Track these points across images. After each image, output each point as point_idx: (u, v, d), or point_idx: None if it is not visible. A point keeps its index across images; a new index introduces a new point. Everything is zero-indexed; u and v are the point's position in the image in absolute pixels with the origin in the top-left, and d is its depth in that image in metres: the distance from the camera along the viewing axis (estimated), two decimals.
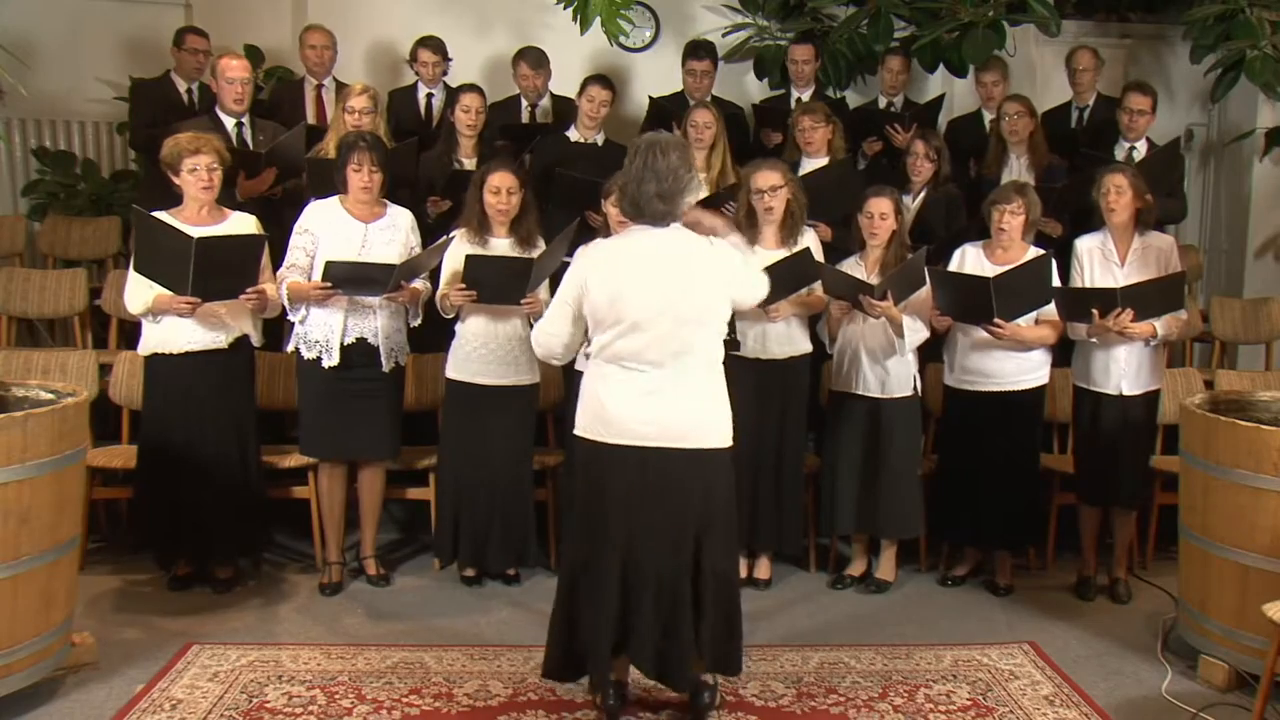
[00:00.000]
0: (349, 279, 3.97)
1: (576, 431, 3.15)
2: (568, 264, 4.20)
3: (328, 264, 3.96)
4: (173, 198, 4.03)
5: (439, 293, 4.14)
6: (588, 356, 3.18)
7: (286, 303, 4.06)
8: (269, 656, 3.67)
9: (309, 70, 5.63)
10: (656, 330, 3.00)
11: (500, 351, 4.19)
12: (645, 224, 3.07)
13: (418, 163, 4.84)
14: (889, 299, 4.04)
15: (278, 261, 4.13)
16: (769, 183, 4.13)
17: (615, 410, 3.05)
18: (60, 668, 3.40)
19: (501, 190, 4.14)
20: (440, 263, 4.16)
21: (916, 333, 4.15)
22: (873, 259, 4.29)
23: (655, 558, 3.08)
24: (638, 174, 3.03)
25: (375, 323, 4.14)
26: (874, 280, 4.15)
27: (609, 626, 3.11)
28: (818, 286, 4.21)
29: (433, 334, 4.35)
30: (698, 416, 3.06)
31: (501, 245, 4.18)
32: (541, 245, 4.25)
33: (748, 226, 4.20)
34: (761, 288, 3.25)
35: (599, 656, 3.14)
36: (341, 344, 4.10)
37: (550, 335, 3.21)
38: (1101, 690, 3.54)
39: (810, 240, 4.22)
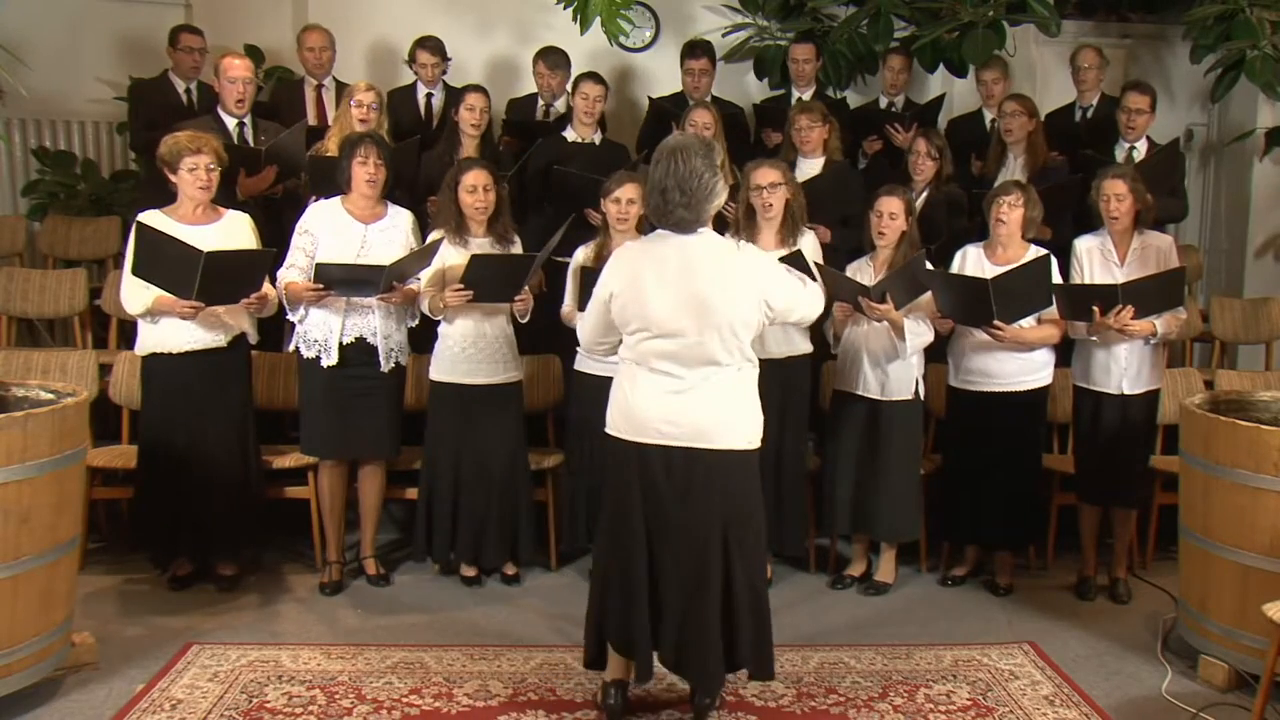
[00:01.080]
0: (341, 280, 3.98)
1: (607, 429, 3.17)
2: (565, 263, 4.26)
3: (318, 266, 3.97)
4: (173, 199, 4.02)
5: (427, 295, 4.12)
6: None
7: (285, 303, 4.07)
8: (269, 656, 3.67)
9: (308, 71, 5.63)
10: (682, 339, 3.01)
11: (488, 350, 4.19)
12: (671, 230, 3.05)
13: (419, 162, 4.84)
14: (888, 302, 4.03)
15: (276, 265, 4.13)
16: (768, 179, 4.11)
17: (641, 409, 3.06)
18: (60, 668, 3.40)
19: (478, 188, 4.13)
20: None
21: (918, 336, 4.13)
22: (881, 259, 4.27)
23: (680, 555, 3.09)
24: (660, 180, 2.99)
25: (374, 322, 4.15)
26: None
27: (643, 619, 3.12)
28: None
29: (432, 334, 4.35)
30: (723, 417, 3.06)
31: (481, 245, 4.17)
32: (517, 241, 4.26)
33: (746, 225, 4.19)
34: (809, 305, 3.26)
35: (640, 649, 3.15)
36: (340, 343, 4.11)
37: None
38: (1101, 690, 3.54)
39: (807, 242, 4.19)
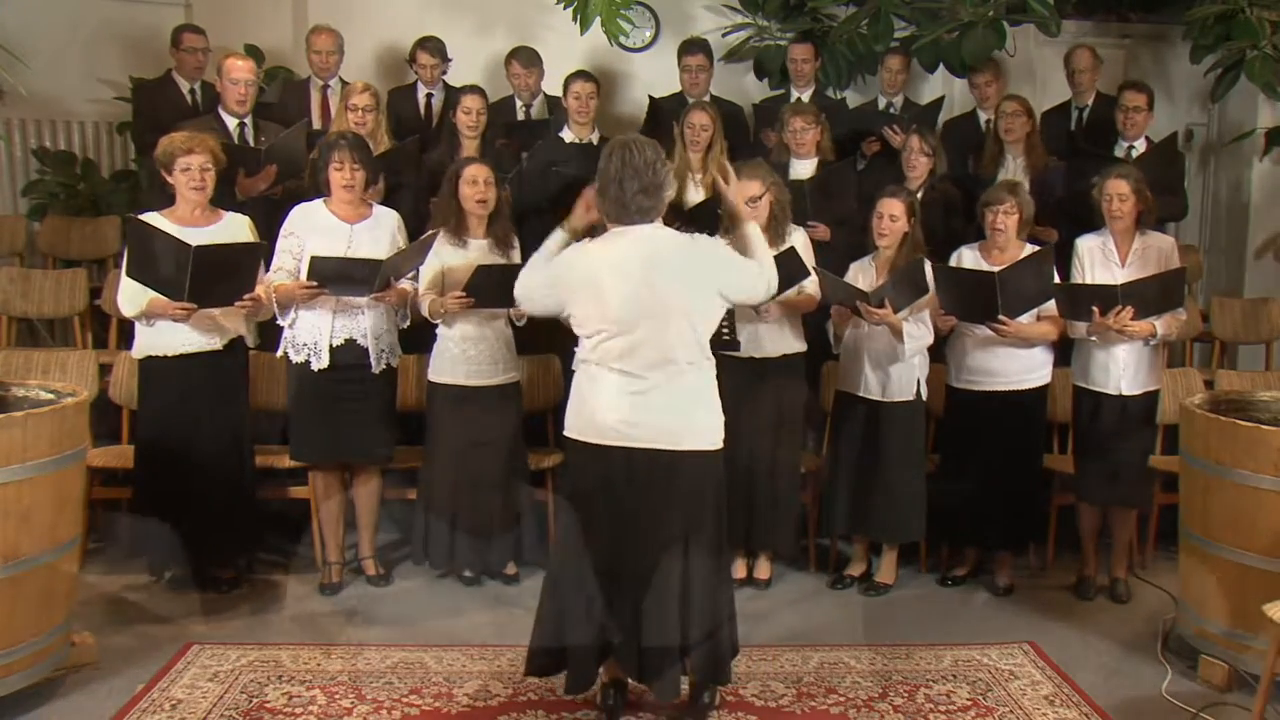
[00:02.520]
0: (335, 276, 3.92)
1: (565, 431, 3.16)
2: None
3: (313, 260, 3.91)
4: (174, 200, 4.02)
5: (426, 300, 4.09)
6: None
7: (275, 307, 4.03)
8: (269, 656, 3.67)
9: (314, 72, 5.60)
10: (641, 334, 3.00)
11: (488, 352, 4.18)
12: (629, 223, 3.05)
13: (419, 163, 4.83)
14: (887, 306, 4.02)
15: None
16: (748, 194, 4.06)
17: (601, 411, 3.05)
18: (60, 668, 3.41)
19: (479, 180, 4.11)
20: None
21: (917, 340, 4.13)
22: (883, 260, 4.26)
23: (639, 559, 3.07)
24: (617, 174, 3.02)
25: (364, 323, 4.12)
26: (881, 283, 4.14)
27: (592, 626, 3.11)
28: (808, 285, 4.16)
29: (427, 334, 4.34)
30: (683, 418, 3.06)
31: (480, 247, 4.16)
32: (517, 245, 4.24)
33: (734, 229, 4.18)
34: (765, 282, 3.19)
35: (581, 655, 3.14)
36: (330, 345, 4.08)
37: (529, 290, 3.23)
38: (1101, 690, 3.55)
39: (798, 240, 4.17)
